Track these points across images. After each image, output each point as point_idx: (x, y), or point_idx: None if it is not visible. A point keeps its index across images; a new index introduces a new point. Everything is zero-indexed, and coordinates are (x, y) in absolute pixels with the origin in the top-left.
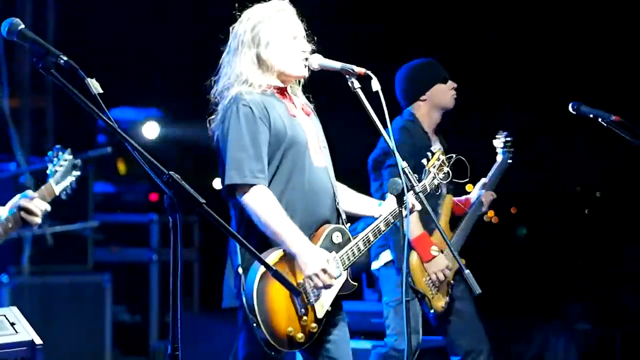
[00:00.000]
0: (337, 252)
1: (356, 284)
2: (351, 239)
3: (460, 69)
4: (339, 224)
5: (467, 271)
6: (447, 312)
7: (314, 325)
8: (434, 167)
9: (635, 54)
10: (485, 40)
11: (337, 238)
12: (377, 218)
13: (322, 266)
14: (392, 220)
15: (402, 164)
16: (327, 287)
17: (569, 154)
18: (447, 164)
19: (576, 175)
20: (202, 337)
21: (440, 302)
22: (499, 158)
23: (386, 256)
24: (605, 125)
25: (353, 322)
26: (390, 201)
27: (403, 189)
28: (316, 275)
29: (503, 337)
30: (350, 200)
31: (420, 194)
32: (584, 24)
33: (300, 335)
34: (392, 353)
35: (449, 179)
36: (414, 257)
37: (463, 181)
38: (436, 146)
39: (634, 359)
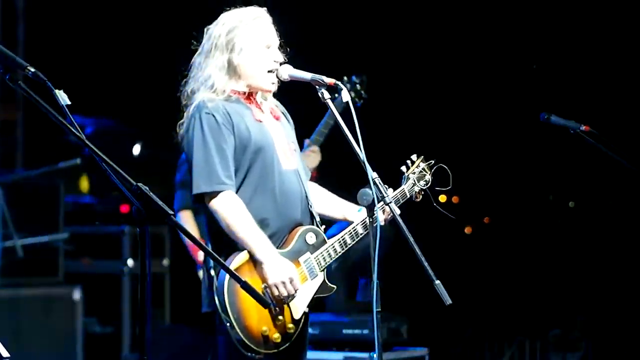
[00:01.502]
0: (311, 253)
1: (335, 286)
2: (326, 240)
3: (432, 75)
4: (312, 225)
5: (437, 282)
6: None
7: (290, 325)
8: (414, 174)
9: (604, 63)
10: (456, 47)
11: (310, 239)
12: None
13: (288, 276)
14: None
15: (373, 174)
16: (291, 297)
17: (542, 163)
18: (428, 171)
19: (549, 185)
20: (173, 348)
21: None
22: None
23: None
24: (575, 135)
25: (325, 333)
26: (364, 211)
27: (374, 199)
28: (280, 284)
29: (477, 348)
30: (327, 203)
31: (392, 204)
32: (556, 33)
33: (276, 335)
34: None
35: (429, 186)
36: None
37: (446, 189)
38: None
39: None
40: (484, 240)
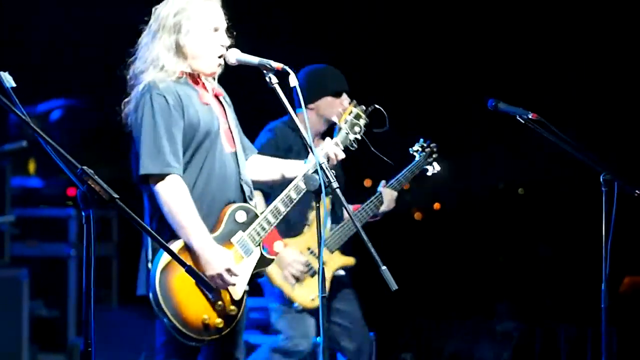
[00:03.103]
0: (243, 231)
1: (273, 257)
2: (258, 214)
3: (391, 62)
4: (244, 202)
5: (383, 267)
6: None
7: (232, 307)
8: (346, 123)
9: (550, 51)
10: (403, 36)
11: (240, 217)
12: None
13: (224, 267)
14: (304, 187)
15: (320, 159)
16: (230, 285)
17: (493, 151)
18: (362, 116)
19: (499, 172)
20: (120, 331)
21: (305, 298)
22: (416, 162)
23: None
24: (523, 122)
25: (256, 318)
26: (312, 161)
27: (320, 185)
28: (219, 275)
29: (424, 335)
30: (272, 168)
31: (338, 190)
32: (502, 21)
33: (218, 320)
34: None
35: (363, 131)
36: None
37: (382, 130)
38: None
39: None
40: (433, 227)
